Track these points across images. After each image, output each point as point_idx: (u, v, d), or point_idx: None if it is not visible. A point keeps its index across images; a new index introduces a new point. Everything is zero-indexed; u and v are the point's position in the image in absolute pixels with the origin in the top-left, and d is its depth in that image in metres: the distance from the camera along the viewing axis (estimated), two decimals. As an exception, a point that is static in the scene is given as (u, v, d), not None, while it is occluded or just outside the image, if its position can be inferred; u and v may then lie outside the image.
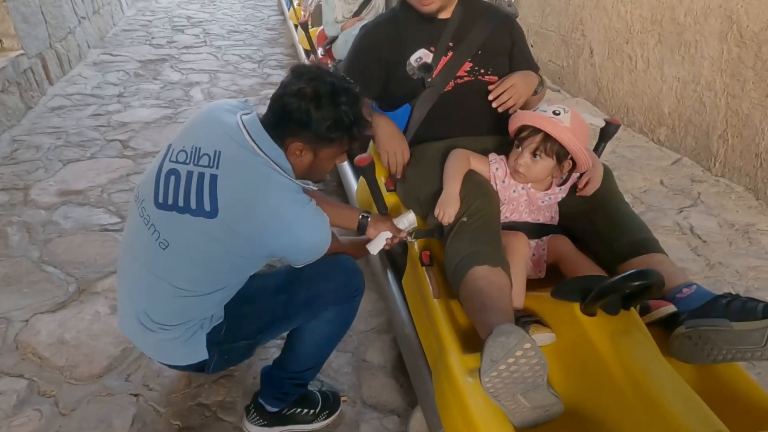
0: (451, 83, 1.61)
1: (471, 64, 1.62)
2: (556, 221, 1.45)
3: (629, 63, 3.46)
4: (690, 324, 1.12)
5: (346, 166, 2.41)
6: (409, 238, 1.44)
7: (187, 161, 1.14)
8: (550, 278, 1.37)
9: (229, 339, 1.24)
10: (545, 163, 1.33)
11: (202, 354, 1.21)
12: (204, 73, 4.50)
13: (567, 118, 1.29)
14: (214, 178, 1.11)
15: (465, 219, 1.32)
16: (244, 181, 1.11)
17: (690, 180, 2.84)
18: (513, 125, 1.39)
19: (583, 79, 4.00)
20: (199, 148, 1.14)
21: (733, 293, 1.18)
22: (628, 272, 1.03)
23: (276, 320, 1.27)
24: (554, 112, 1.30)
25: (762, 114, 2.56)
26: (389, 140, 1.61)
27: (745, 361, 1.11)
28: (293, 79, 1.14)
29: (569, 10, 4.05)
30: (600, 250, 1.39)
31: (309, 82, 1.12)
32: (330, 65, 3.12)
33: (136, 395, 1.54)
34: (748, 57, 2.61)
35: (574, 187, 1.43)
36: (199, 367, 1.26)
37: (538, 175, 1.36)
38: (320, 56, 3.23)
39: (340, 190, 2.69)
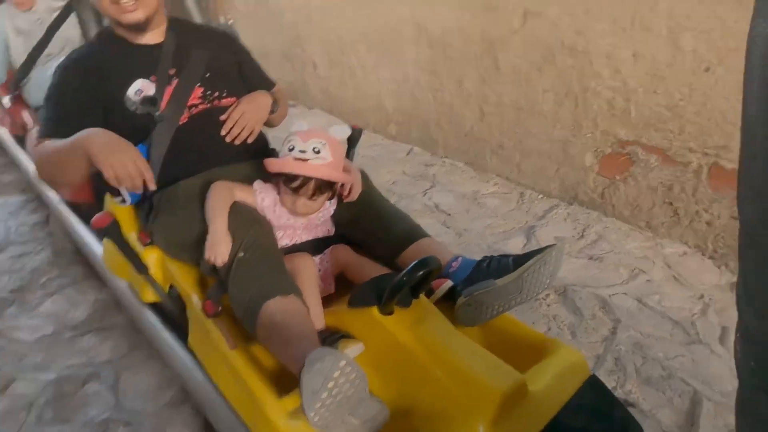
0: (186, 114, 1.48)
1: (202, 89, 1.51)
2: (332, 232, 1.47)
3: (349, 71, 3.78)
4: (466, 293, 1.26)
5: (83, 232, 2.02)
6: None
7: None
8: (342, 289, 1.38)
9: None
10: (323, 197, 1.34)
11: None
12: None
13: (328, 153, 1.28)
14: None
15: (241, 254, 1.22)
16: None
17: (424, 165, 3.26)
18: (275, 169, 1.31)
19: (313, 91, 4.21)
20: None
21: (489, 255, 1.37)
22: (411, 265, 1.09)
23: None
24: (314, 150, 1.27)
25: (459, 102, 3.09)
26: (110, 151, 1.25)
27: (511, 309, 1.31)
28: None
29: (284, 29, 4.20)
30: (376, 249, 1.46)
31: None
32: (25, 114, 2.57)
33: None
34: (438, 57, 3.11)
35: (340, 196, 1.47)
36: None
37: (317, 208, 1.36)
38: (6, 107, 2.63)
39: (79, 257, 2.24)
